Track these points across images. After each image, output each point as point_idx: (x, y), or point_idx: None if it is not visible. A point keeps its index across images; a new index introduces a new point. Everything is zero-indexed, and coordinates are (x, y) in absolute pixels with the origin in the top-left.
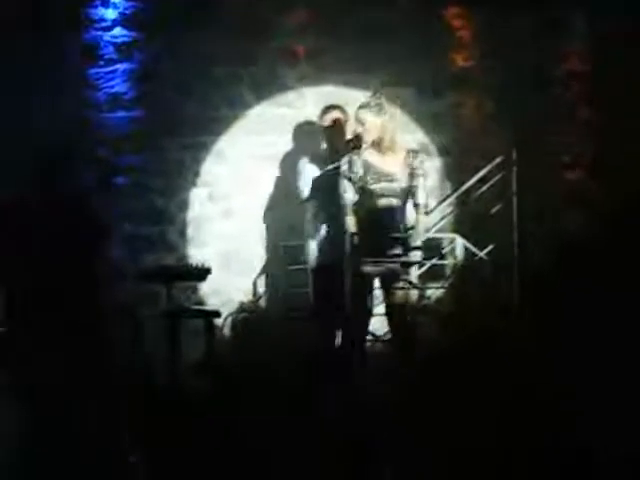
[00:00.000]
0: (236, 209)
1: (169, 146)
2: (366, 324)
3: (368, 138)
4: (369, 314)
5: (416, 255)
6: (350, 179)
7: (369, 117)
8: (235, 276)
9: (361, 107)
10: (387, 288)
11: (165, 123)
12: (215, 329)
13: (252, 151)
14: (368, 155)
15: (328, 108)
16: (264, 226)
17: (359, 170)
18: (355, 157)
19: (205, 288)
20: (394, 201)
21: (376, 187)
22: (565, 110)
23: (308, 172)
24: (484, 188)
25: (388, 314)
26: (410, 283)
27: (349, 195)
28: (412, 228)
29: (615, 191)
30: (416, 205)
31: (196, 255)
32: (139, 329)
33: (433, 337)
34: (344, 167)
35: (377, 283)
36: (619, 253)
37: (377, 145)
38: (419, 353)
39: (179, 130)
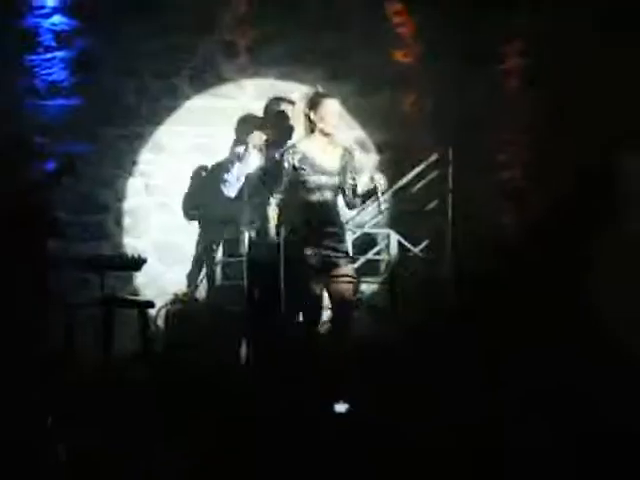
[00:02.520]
0: (173, 200)
1: (107, 135)
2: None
3: (329, 129)
4: (317, 300)
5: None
6: (285, 171)
7: (333, 106)
8: (171, 267)
9: (323, 96)
10: (326, 280)
11: (103, 112)
12: (149, 320)
13: (190, 142)
14: (305, 148)
15: (276, 99)
16: (199, 218)
17: (295, 162)
18: (292, 149)
19: (140, 278)
20: (328, 195)
21: (311, 180)
22: (502, 109)
23: (238, 165)
24: (420, 185)
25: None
26: (350, 276)
27: (283, 187)
28: (346, 223)
29: (548, 191)
30: (348, 203)
31: (132, 245)
32: (72, 317)
33: (367, 332)
34: (285, 161)
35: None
36: (551, 251)
37: (318, 137)
38: (353, 348)
39: (117, 119)
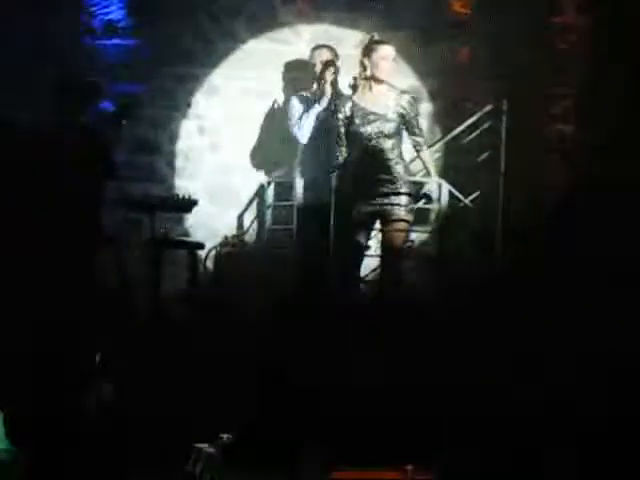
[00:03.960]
0: (226, 143)
1: (162, 76)
2: (357, 261)
3: (382, 75)
4: (361, 252)
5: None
6: (338, 121)
7: (385, 52)
8: (222, 210)
9: (377, 43)
10: (382, 228)
11: (159, 53)
12: (198, 261)
13: (245, 85)
14: (356, 97)
15: (318, 47)
16: (253, 161)
17: (347, 112)
18: (344, 99)
19: (191, 220)
20: (385, 142)
21: (365, 128)
22: (558, 62)
23: (297, 111)
24: (473, 136)
25: (382, 253)
26: (404, 221)
27: (343, 135)
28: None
29: (601, 144)
30: (416, 144)
31: (183, 187)
32: (123, 256)
33: (417, 280)
34: (346, 108)
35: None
36: (601, 205)
37: (373, 85)
38: (404, 296)
39: (173, 61)
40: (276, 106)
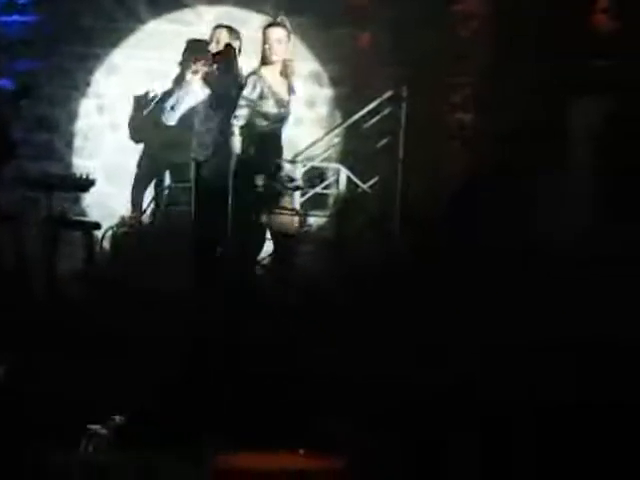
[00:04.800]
0: (124, 122)
1: (62, 55)
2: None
3: (275, 59)
4: (258, 235)
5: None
6: (247, 101)
7: (278, 34)
8: (120, 190)
9: (271, 25)
10: (270, 212)
11: (59, 31)
12: (95, 241)
13: (145, 65)
14: (270, 79)
15: (218, 27)
16: (151, 142)
17: (257, 93)
18: (256, 79)
19: (88, 200)
20: (281, 127)
21: (270, 111)
22: (459, 50)
23: (178, 92)
24: (373, 121)
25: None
26: (293, 210)
27: (242, 117)
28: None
29: (500, 131)
30: None
31: (82, 166)
32: (20, 235)
33: (314, 265)
34: (247, 90)
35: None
36: (501, 191)
37: (281, 68)
38: (301, 281)
39: (73, 39)
40: (173, 86)
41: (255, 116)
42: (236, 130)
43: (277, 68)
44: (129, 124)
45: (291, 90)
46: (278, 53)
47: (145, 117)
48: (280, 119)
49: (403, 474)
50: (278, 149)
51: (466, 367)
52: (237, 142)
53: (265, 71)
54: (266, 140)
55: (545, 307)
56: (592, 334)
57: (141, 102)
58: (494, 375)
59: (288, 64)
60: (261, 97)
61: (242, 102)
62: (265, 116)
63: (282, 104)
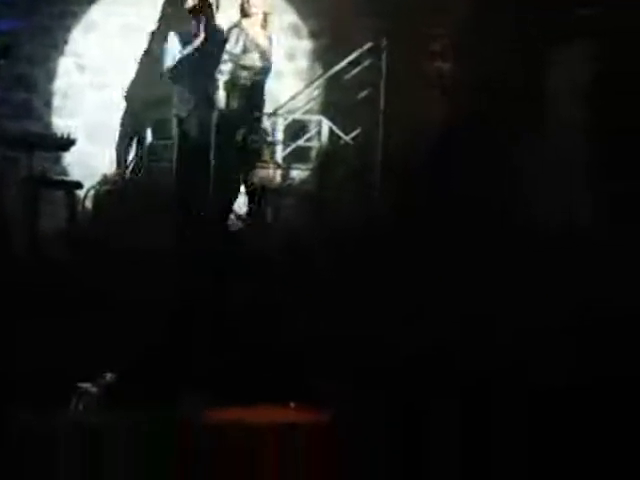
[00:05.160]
0: (105, 81)
1: (40, 14)
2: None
3: (254, 11)
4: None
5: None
6: (231, 55)
7: None
8: (101, 148)
9: None
10: (251, 167)
11: None
12: (77, 200)
13: (124, 22)
14: (251, 32)
15: None
16: (132, 99)
17: (241, 46)
18: (239, 32)
19: (69, 159)
20: (264, 79)
21: (253, 64)
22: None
23: (174, 48)
24: (353, 73)
25: (249, 193)
26: (275, 163)
27: (226, 72)
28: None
29: (477, 80)
30: None
31: (62, 125)
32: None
33: (296, 219)
34: (230, 44)
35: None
36: (481, 140)
37: (261, 21)
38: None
39: None
40: (153, 43)
41: (239, 69)
42: (220, 85)
43: (257, 21)
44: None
45: (271, 42)
46: (257, 5)
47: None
48: (264, 72)
49: (387, 431)
50: (261, 103)
51: (448, 327)
52: (220, 97)
53: (246, 24)
54: (249, 94)
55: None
56: (581, 298)
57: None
58: (475, 338)
59: (267, 16)
60: (244, 50)
61: (225, 56)
62: (249, 69)
63: (265, 56)
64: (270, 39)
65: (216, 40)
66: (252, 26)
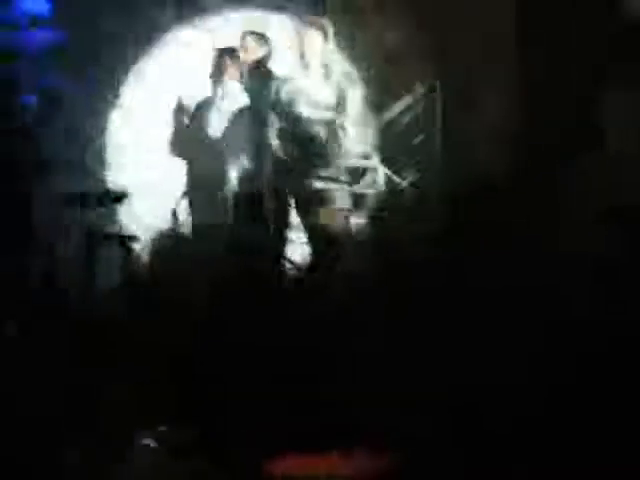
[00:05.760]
0: (157, 135)
1: (91, 67)
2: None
3: (306, 60)
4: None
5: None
6: (277, 104)
7: (311, 38)
8: (154, 203)
9: (305, 27)
10: (309, 212)
11: (87, 44)
12: (133, 255)
13: (173, 76)
14: (298, 81)
15: (246, 34)
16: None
17: (288, 95)
18: (284, 82)
19: (123, 214)
20: (319, 129)
21: (304, 114)
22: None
23: (220, 101)
24: (408, 118)
25: (310, 239)
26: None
27: (278, 122)
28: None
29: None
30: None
31: (113, 180)
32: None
33: (356, 267)
34: (271, 95)
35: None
36: (543, 186)
37: (311, 70)
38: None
39: (101, 51)
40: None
41: (289, 121)
42: (273, 136)
43: (313, 71)
44: (170, 140)
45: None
46: (316, 56)
47: (188, 130)
48: (319, 123)
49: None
50: (319, 151)
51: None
52: (276, 148)
53: (300, 74)
54: (305, 144)
55: None
56: None
57: (178, 116)
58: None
59: (324, 66)
60: (296, 101)
61: (278, 108)
62: (301, 120)
63: (319, 107)
64: (326, 88)
65: (269, 92)
66: (307, 76)
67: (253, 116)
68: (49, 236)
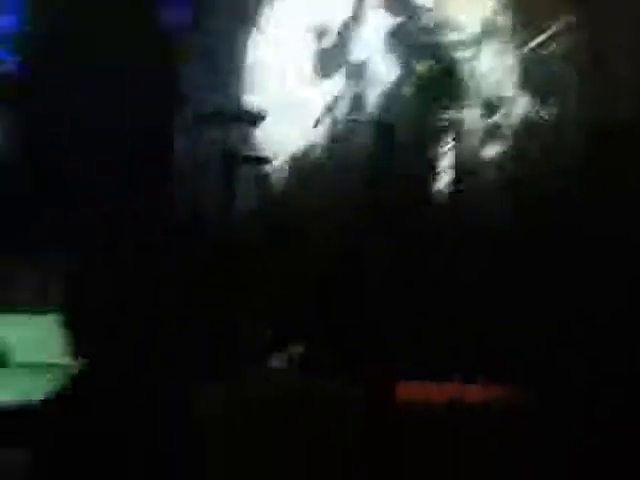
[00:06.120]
0: (295, 58)
1: None
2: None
3: None
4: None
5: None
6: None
7: None
8: (290, 126)
9: None
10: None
11: None
12: (267, 176)
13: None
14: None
15: None
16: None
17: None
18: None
19: (259, 135)
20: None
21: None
22: None
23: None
24: (550, 48)
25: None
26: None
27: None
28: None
29: None
30: None
31: (252, 101)
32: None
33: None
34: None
35: None
36: None
37: None
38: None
39: None
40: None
41: (429, 45)
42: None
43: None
44: (314, 60)
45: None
46: None
47: (329, 53)
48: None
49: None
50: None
51: None
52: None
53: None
54: (444, 70)
55: None
56: None
57: (322, 36)
58: None
59: None
60: (441, 29)
61: (415, 33)
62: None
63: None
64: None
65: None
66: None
67: (394, 45)
68: (188, 158)
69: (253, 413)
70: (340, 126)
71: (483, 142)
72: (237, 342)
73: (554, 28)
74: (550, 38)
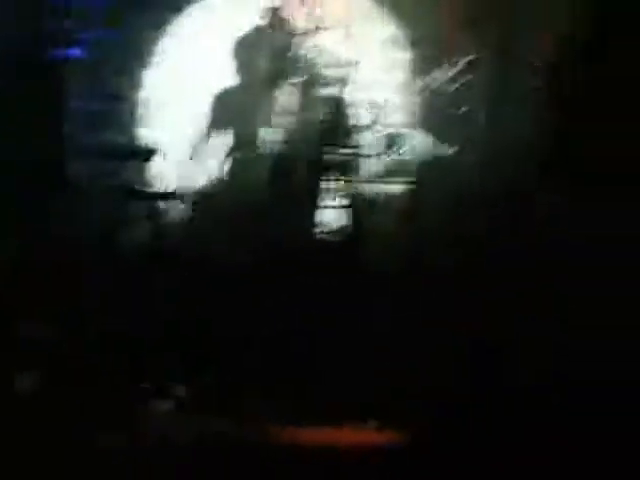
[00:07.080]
0: (188, 93)
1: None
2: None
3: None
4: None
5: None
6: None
7: None
8: (183, 161)
9: None
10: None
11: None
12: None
13: (213, 32)
14: (322, 39)
15: None
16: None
17: (312, 53)
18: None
19: (153, 170)
20: (342, 90)
21: (329, 73)
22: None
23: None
24: (454, 86)
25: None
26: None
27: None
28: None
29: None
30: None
31: (145, 136)
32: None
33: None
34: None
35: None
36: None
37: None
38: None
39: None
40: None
41: (314, 79)
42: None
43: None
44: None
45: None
46: (338, 14)
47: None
48: (340, 81)
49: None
50: (344, 114)
51: None
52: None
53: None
54: (332, 105)
55: None
56: None
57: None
58: None
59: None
60: (316, 59)
61: (298, 64)
62: (325, 79)
63: (340, 65)
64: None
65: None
66: (331, 35)
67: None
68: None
69: None
70: (235, 163)
71: (380, 178)
72: None
73: (460, 65)
74: (456, 74)
